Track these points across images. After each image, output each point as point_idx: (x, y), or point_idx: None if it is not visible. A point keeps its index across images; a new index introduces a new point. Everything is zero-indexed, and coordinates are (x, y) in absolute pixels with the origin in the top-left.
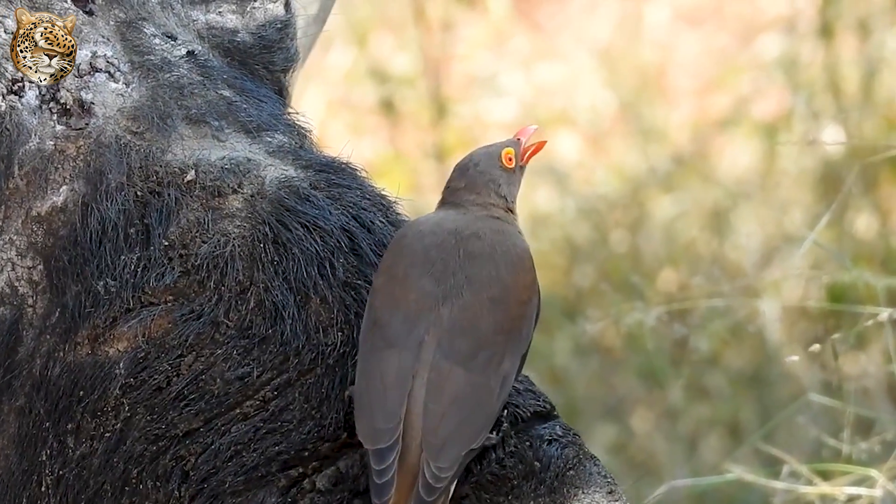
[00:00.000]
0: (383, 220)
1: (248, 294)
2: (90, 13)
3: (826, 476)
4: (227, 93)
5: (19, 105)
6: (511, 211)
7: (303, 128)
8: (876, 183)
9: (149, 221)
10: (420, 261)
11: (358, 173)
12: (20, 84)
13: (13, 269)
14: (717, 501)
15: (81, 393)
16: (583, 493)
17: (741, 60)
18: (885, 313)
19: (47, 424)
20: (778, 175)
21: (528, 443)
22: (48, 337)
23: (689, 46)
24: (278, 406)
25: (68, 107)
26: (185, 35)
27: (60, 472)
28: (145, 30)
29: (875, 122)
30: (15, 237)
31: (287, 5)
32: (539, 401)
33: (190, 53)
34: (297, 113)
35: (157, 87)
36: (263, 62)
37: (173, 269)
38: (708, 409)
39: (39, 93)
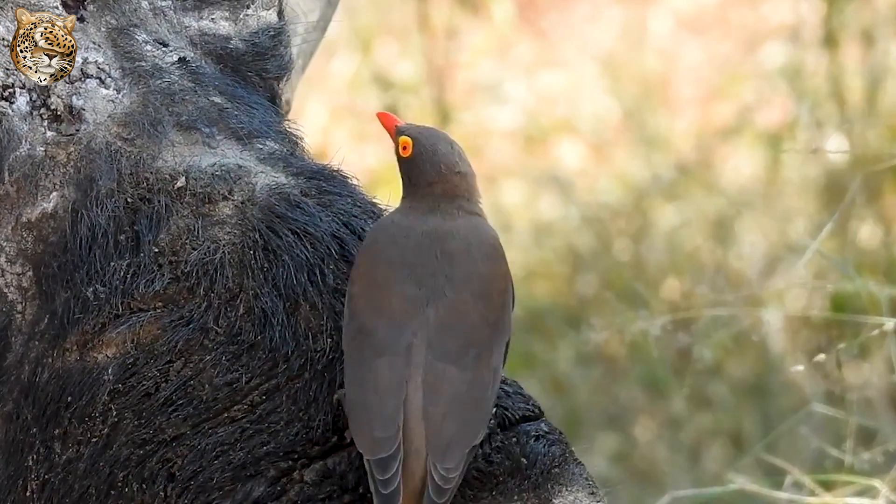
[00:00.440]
0: None
1: (238, 301)
2: (81, 19)
3: (828, 486)
4: (218, 99)
5: (10, 111)
6: (473, 199)
7: (294, 135)
8: (879, 192)
9: (139, 228)
10: (398, 265)
11: (349, 181)
12: (11, 90)
13: (2, 276)
14: None
15: (69, 398)
16: (567, 490)
17: (745, 69)
18: (888, 323)
19: (34, 430)
20: (781, 184)
21: (514, 439)
22: (37, 343)
23: (692, 55)
24: (266, 410)
25: (59, 113)
26: (176, 42)
27: (46, 477)
28: (137, 36)
29: (879, 131)
30: (5, 243)
31: (280, 13)
32: (528, 405)
33: (181, 60)
34: (289, 120)
35: (148, 93)
36: (256, 69)
37: (163, 275)
38: (710, 419)
39: (30, 99)
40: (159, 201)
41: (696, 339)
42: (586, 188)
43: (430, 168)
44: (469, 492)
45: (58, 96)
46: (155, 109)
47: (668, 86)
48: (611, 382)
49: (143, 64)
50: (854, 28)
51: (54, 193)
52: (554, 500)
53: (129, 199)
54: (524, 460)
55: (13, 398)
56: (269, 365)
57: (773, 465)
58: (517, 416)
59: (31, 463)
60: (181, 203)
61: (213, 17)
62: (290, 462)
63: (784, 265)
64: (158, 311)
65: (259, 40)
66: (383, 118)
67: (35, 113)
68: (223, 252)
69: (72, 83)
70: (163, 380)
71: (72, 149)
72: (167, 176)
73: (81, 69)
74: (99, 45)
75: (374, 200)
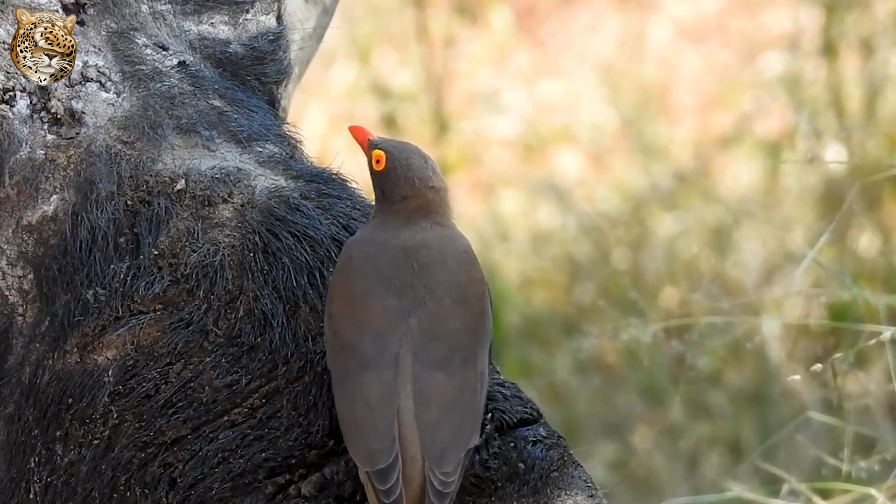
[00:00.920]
0: None
1: (238, 303)
2: (81, 23)
3: (826, 495)
4: (217, 103)
5: (10, 114)
6: (446, 213)
7: (294, 138)
8: (878, 201)
9: (139, 231)
10: (375, 279)
11: (348, 184)
12: (11, 93)
13: (3, 279)
14: None
15: (70, 400)
16: (566, 493)
17: (744, 78)
18: (886, 332)
19: (36, 432)
20: (780, 193)
21: (512, 444)
22: (38, 345)
23: (691, 64)
24: (266, 413)
25: (59, 116)
26: (176, 46)
27: (49, 479)
28: (137, 40)
29: (877, 140)
30: (5, 246)
31: (279, 17)
32: (526, 407)
33: (181, 64)
34: (288, 123)
35: (147, 96)
36: (255, 73)
37: (163, 278)
38: (708, 427)
39: (30, 102)
40: (159, 204)
41: (694, 348)
42: (585, 197)
43: (404, 183)
44: (468, 498)
45: (58, 100)
46: (155, 113)
47: (666, 95)
48: (608, 390)
49: (143, 67)
50: (853, 37)
51: (55, 196)
52: None
53: (129, 202)
54: (521, 465)
55: (14, 400)
56: (268, 367)
57: (771, 473)
58: (515, 420)
59: (33, 465)
60: (181, 206)
61: (212, 21)
62: (288, 476)
63: (782, 274)
64: (158, 313)
65: (258, 44)
66: (355, 132)
67: (35, 116)
68: (223, 254)
69: (72, 86)
70: (163, 382)
71: (72, 152)
72: (167, 179)
73: (82, 72)
74: (99, 49)
75: (372, 204)
